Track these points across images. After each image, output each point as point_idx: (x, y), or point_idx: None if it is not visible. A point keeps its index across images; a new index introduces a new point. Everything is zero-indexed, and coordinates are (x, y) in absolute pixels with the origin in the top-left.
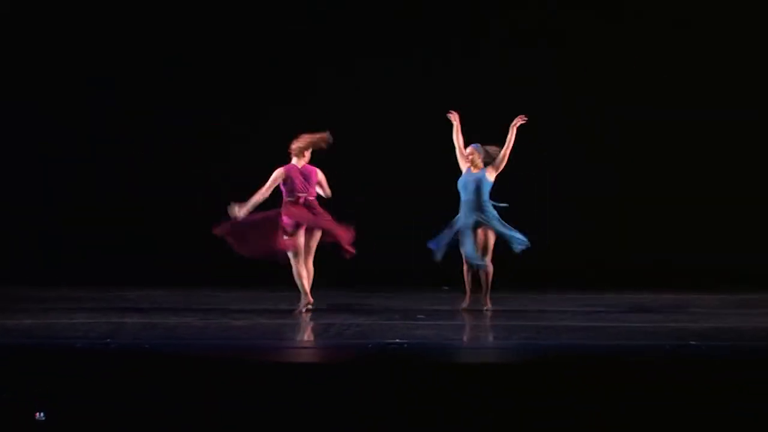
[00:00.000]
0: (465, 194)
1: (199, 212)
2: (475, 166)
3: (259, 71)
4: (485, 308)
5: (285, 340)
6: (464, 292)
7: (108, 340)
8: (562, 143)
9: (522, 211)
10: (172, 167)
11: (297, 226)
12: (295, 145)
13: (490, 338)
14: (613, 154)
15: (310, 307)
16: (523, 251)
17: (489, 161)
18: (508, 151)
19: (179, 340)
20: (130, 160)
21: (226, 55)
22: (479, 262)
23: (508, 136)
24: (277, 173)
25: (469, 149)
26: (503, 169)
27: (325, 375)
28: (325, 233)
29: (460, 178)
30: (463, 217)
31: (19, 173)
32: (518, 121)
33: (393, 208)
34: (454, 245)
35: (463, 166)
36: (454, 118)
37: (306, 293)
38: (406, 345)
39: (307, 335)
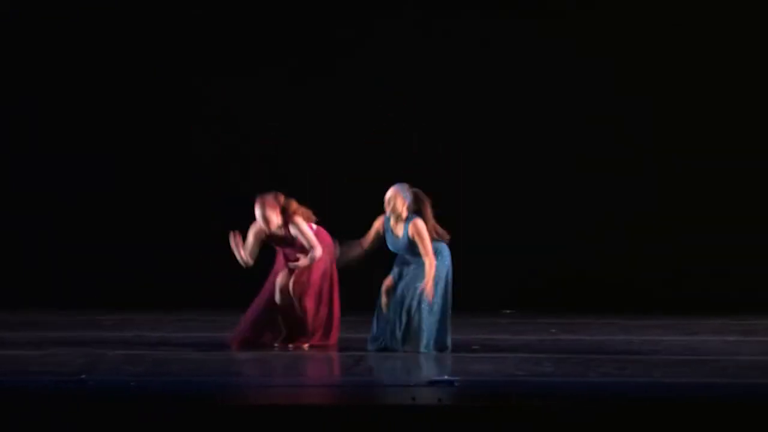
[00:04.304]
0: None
1: (191, 222)
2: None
3: None
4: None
5: (303, 377)
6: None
7: (83, 376)
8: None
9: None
10: (156, 173)
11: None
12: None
13: (563, 375)
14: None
15: None
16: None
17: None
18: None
19: (172, 376)
20: (106, 167)
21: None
22: None
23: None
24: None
25: (389, 193)
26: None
27: (354, 421)
28: None
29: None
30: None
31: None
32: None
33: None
34: None
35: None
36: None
37: None
38: (457, 383)
39: (330, 371)
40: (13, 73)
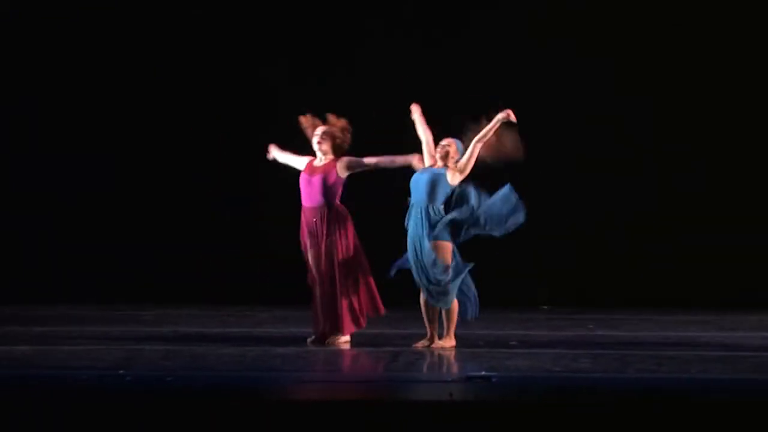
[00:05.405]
0: (415, 194)
1: (225, 215)
2: (444, 160)
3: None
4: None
5: (340, 372)
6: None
7: (121, 371)
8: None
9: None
10: (190, 171)
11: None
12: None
13: (600, 371)
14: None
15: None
16: None
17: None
18: (478, 148)
19: (209, 371)
20: (140, 162)
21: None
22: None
23: (487, 128)
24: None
25: (447, 140)
26: (468, 173)
27: (392, 416)
28: None
29: (414, 175)
30: (412, 226)
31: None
32: (504, 116)
33: None
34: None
35: (428, 162)
36: (416, 110)
37: None
38: (494, 379)
39: (367, 367)
40: (13, 73)
